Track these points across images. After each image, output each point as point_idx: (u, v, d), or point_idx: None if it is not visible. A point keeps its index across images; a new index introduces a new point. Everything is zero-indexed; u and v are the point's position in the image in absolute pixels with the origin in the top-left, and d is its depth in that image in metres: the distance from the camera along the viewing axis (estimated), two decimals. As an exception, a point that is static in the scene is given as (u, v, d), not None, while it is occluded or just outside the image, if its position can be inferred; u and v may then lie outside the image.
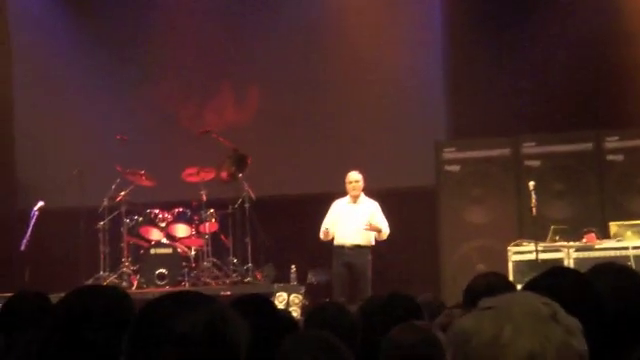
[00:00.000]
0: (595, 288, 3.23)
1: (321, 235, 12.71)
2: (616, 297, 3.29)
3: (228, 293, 12.92)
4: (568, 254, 12.21)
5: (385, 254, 13.35)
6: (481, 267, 12.58)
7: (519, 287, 5.43)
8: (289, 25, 15.60)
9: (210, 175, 14.30)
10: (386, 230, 12.59)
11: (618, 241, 12.31)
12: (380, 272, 13.04)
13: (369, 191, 12.94)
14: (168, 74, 15.80)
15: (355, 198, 12.76)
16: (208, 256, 14.04)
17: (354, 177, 12.78)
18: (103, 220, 14.12)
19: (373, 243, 12.64)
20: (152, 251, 13.97)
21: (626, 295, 3.39)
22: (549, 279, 3.26)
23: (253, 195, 14.09)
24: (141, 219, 14.27)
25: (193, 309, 2.31)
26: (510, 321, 2.07)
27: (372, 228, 12.52)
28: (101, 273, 13.96)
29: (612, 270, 3.61)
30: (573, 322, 2.13)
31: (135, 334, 2.33)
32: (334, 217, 12.77)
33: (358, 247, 12.55)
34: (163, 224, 14.24)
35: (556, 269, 3.52)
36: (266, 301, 4.16)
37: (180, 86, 15.81)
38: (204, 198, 14.07)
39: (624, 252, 12.08)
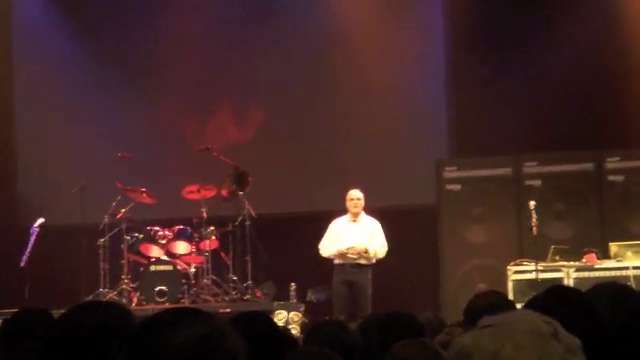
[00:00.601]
0: (595, 307, 3.23)
1: (323, 253, 12.71)
2: (616, 316, 3.29)
3: (228, 310, 12.90)
4: (568, 274, 12.21)
5: (386, 272, 13.34)
6: (481, 286, 12.54)
7: (519, 306, 5.43)
8: (291, 44, 15.64)
9: (211, 193, 14.30)
10: (379, 250, 12.57)
11: (618, 261, 12.31)
12: (381, 290, 13.03)
13: (370, 209, 12.94)
14: (170, 92, 15.82)
15: (355, 216, 12.75)
16: (208, 273, 14.03)
17: (355, 195, 12.77)
18: (103, 237, 14.12)
19: (374, 261, 12.62)
20: (152, 268, 13.97)
21: (626, 314, 3.39)
22: (550, 298, 3.26)
23: (254, 213, 14.10)
24: (141, 236, 14.27)
25: (190, 323, 2.32)
26: (510, 339, 2.07)
27: (356, 252, 12.53)
28: (101, 290, 13.95)
29: (612, 289, 3.61)
30: (573, 340, 2.13)
31: (132, 347, 2.33)
32: (333, 236, 12.76)
33: (359, 265, 12.54)
34: (163, 241, 14.24)
35: (557, 288, 3.52)
36: (266, 318, 4.15)
37: (182, 104, 15.82)
38: (204, 215, 14.08)
39: (624, 272, 12.07)
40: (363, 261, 12.55)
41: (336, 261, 12.66)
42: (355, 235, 12.62)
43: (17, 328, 4.54)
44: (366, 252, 12.49)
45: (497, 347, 2.07)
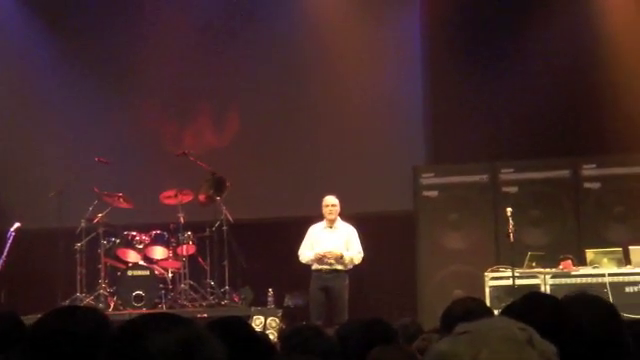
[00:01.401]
0: (570, 314, 3.25)
1: (302, 260, 12.72)
2: (591, 323, 3.32)
3: (205, 315, 12.88)
4: (544, 280, 12.26)
5: (363, 278, 13.35)
6: (458, 292, 12.57)
7: (496, 312, 5.45)
8: (269, 49, 15.64)
9: (188, 198, 14.29)
10: (355, 256, 12.58)
11: (594, 268, 12.36)
12: (358, 297, 13.04)
13: (347, 215, 12.94)
14: (148, 96, 15.79)
15: (331, 222, 12.75)
16: (185, 278, 14.00)
17: (331, 201, 12.77)
18: (80, 241, 14.07)
19: (350, 267, 12.63)
20: (129, 273, 13.93)
21: (600, 321, 3.41)
22: (526, 305, 3.28)
23: (231, 218, 14.08)
24: (118, 241, 14.25)
25: (168, 329, 2.32)
26: (486, 345, 2.09)
27: (331, 257, 12.57)
28: (78, 294, 13.91)
29: (585, 298, 3.64)
30: (548, 347, 2.15)
31: (110, 353, 2.33)
32: (311, 242, 12.77)
33: (335, 271, 12.55)
34: (140, 246, 14.21)
35: (533, 295, 3.54)
36: (243, 323, 4.15)
37: (159, 108, 15.79)
38: (182, 220, 14.07)
39: (600, 279, 12.14)
40: (339, 267, 12.56)
41: (313, 267, 12.67)
42: (331, 241, 12.63)
43: None
44: (342, 258, 12.51)
45: (473, 353, 2.08)
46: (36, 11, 16.04)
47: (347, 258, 12.52)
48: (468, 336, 2.13)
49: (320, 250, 12.56)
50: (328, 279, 12.52)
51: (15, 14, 16.08)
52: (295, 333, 4.70)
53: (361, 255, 12.61)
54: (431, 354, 2.19)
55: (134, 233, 14.23)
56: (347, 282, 12.55)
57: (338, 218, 12.79)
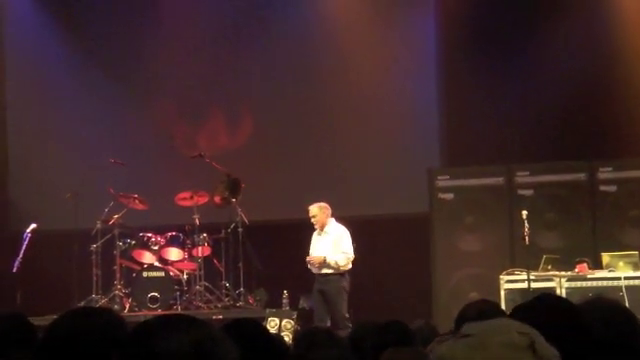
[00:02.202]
0: (582, 316, 3.24)
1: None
2: (605, 326, 3.31)
3: (220, 317, 12.91)
4: (560, 283, 12.22)
5: (378, 281, 13.34)
6: (474, 295, 12.56)
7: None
8: (284, 51, 15.64)
9: (203, 199, 14.32)
10: (338, 259, 12.64)
11: (610, 271, 12.31)
12: (372, 298, 13.03)
13: (362, 218, 12.94)
14: (162, 97, 15.81)
15: (321, 228, 12.88)
16: (200, 280, 14.03)
17: (311, 212, 12.93)
18: (96, 243, 14.12)
19: (344, 269, 12.72)
20: (144, 274, 13.97)
21: (613, 325, 3.40)
22: (537, 305, 3.27)
23: (246, 220, 14.10)
24: (134, 242, 14.29)
25: (182, 329, 2.33)
26: (483, 350, 2.09)
27: (315, 262, 12.68)
28: (93, 296, 13.96)
29: (601, 302, 3.63)
30: (550, 352, 2.15)
31: (125, 353, 2.34)
32: (311, 247, 12.98)
33: (326, 275, 12.67)
34: (156, 247, 14.25)
35: (545, 296, 3.52)
36: (259, 325, 4.15)
37: (174, 109, 15.81)
38: (197, 222, 14.09)
39: (616, 282, 12.08)
40: (329, 270, 12.67)
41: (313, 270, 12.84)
42: (320, 246, 12.85)
43: None
44: (324, 262, 12.59)
45: (469, 358, 2.09)
46: (53, 13, 16.08)
47: (331, 261, 12.63)
48: (467, 340, 2.14)
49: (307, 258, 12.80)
50: (321, 282, 12.74)
51: (32, 16, 16.12)
52: (308, 335, 4.70)
53: (347, 256, 12.70)
54: (432, 357, 2.20)
55: (149, 234, 14.27)
56: (343, 283, 12.65)
57: (331, 221, 12.88)
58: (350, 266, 12.72)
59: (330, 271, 12.66)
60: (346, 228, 12.84)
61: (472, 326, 2.18)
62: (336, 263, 12.63)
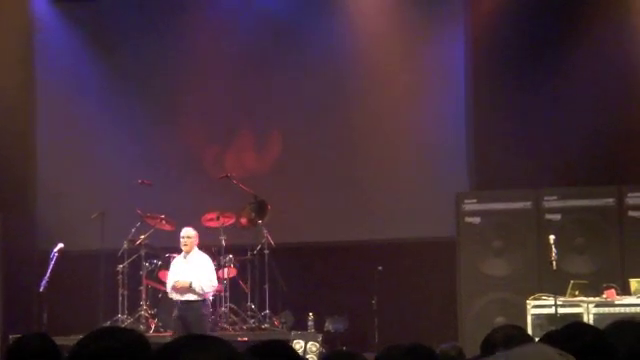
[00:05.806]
0: (612, 345, 3.21)
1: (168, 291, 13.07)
2: (632, 351, 3.28)
3: (245, 339, 12.91)
4: (587, 309, 12.14)
5: (404, 304, 13.29)
6: (500, 320, 12.51)
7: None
8: (313, 74, 15.66)
9: (230, 220, 14.34)
10: (204, 285, 12.73)
11: (638, 297, 12.22)
12: (398, 322, 12.98)
13: (389, 241, 12.90)
14: (190, 118, 15.87)
15: (187, 253, 12.95)
16: (226, 302, 14.04)
17: (185, 233, 13.02)
18: (122, 263, 14.16)
19: (208, 296, 12.88)
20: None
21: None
22: (567, 332, 3.25)
23: (272, 242, 14.10)
24: (160, 263, 14.31)
25: (209, 350, 2.33)
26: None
27: (180, 286, 12.75)
28: (119, 316, 13.98)
29: (631, 326, 3.59)
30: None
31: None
32: (171, 273, 13.04)
33: (188, 302, 12.75)
34: (182, 268, 14.25)
35: (575, 324, 3.51)
36: (287, 347, 4.13)
37: (202, 131, 15.85)
38: (223, 243, 14.10)
39: (644, 309, 12.00)
40: (192, 297, 12.71)
41: (173, 296, 12.94)
42: (184, 271, 12.86)
43: (19, 355, 4.46)
44: (190, 287, 12.63)
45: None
46: (81, 32, 16.17)
47: (197, 287, 12.69)
48: None
49: (171, 282, 12.89)
50: (182, 309, 12.81)
51: (63, 37, 16.22)
52: (332, 358, 4.68)
53: (212, 283, 12.90)
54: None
55: (176, 255, 14.28)
56: (204, 311, 12.79)
57: (195, 249, 12.98)
58: (212, 296, 13.07)
59: (193, 298, 12.72)
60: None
61: (507, 352, 2.16)
62: (202, 289, 12.72)
